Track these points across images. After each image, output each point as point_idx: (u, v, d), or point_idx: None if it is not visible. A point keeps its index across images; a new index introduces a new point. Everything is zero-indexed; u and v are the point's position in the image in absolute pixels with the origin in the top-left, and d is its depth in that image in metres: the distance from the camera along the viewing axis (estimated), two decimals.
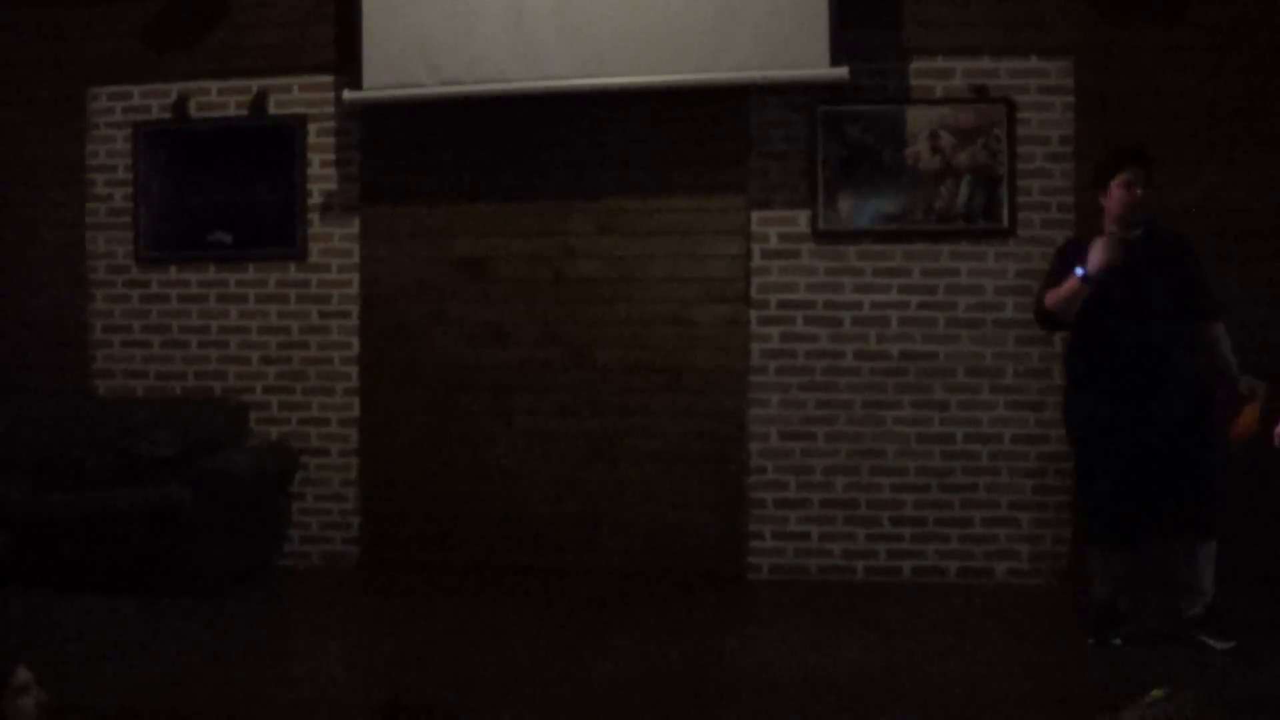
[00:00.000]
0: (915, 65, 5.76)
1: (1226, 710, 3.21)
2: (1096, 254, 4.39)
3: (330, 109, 6.17)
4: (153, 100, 6.35)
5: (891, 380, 5.81)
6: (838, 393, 5.84)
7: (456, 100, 5.92)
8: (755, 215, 5.89)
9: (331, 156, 6.21)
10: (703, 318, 5.94)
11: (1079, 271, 4.41)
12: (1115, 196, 4.51)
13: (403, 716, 2.06)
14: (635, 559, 5.93)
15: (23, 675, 2.38)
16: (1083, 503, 4.83)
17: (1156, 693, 2.55)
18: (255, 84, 6.23)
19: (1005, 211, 5.70)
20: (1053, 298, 4.54)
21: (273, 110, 6.24)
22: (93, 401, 6.28)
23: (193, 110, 6.30)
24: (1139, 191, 4.48)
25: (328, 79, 6.16)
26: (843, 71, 5.54)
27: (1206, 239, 5.00)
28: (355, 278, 6.21)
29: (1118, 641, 4.58)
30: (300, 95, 6.21)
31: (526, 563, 5.99)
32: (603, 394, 6.00)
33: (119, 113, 6.38)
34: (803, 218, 5.85)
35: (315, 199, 6.23)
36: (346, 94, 5.95)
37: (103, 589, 5.37)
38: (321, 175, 6.22)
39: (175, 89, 6.31)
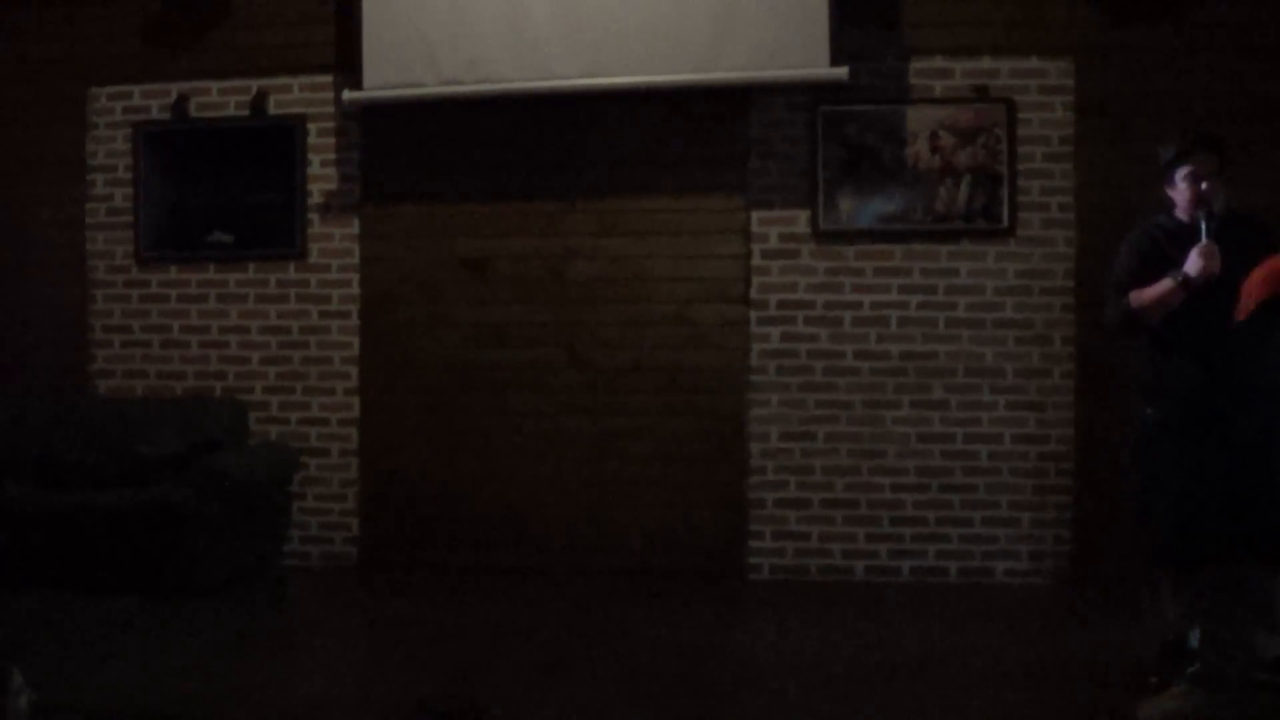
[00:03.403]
0: (915, 65, 5.76)
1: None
2: (1198, 262, 3.90)
3: (330, 109, 6.18)
4: (153, 100, 6.35)
5: (891, 380, 5.80)
6: (838, 393, 5.84)
7: (456, 100, 5.92)
8: (755, 215, 5.89)
9: (331, 156, 6.21)
10: (703, 318, 5.94)
11: (1177, 274, 3.94)
12: (1181, 191, 4.07)
13: (433, 716, 2.03)
14: (635, 559, 5.93)
15: (17, 677, 2.40)
16: (1150, 518, 4.15)
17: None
18: (255, 84, 6.23)
19: (1005, 211, 5.70)
20: (1142, 299, 4.03)
21: (273, 110, 6.24)
22: (93, 401, 6.28)
23: (193, 110, 6.30)
24: (1207, 183, 4.00)
25: (328, 79, 6.16)
26: (843, 71, 5.54)
27: None
28: (355, 278, 6.21)
29: (1182, 685, 3.93)
30: (300, 95, 6.22)
31: (526, 563, 5.99)
32: (603, 394, 6.00)
33: (119, 113, 6.38)
34: (802, 218, 5.85)
35: (315, 199, 6.23)
36: (346, 94, 5.95)
37: (103, 589, 5.37)
38: (321, 175, 6.22)
39: (175, 89, 6.31)
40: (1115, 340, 4.32)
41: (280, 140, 6.22)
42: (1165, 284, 3.97)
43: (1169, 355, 4.07)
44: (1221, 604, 4.20)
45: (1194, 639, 4.07)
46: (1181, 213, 4.13)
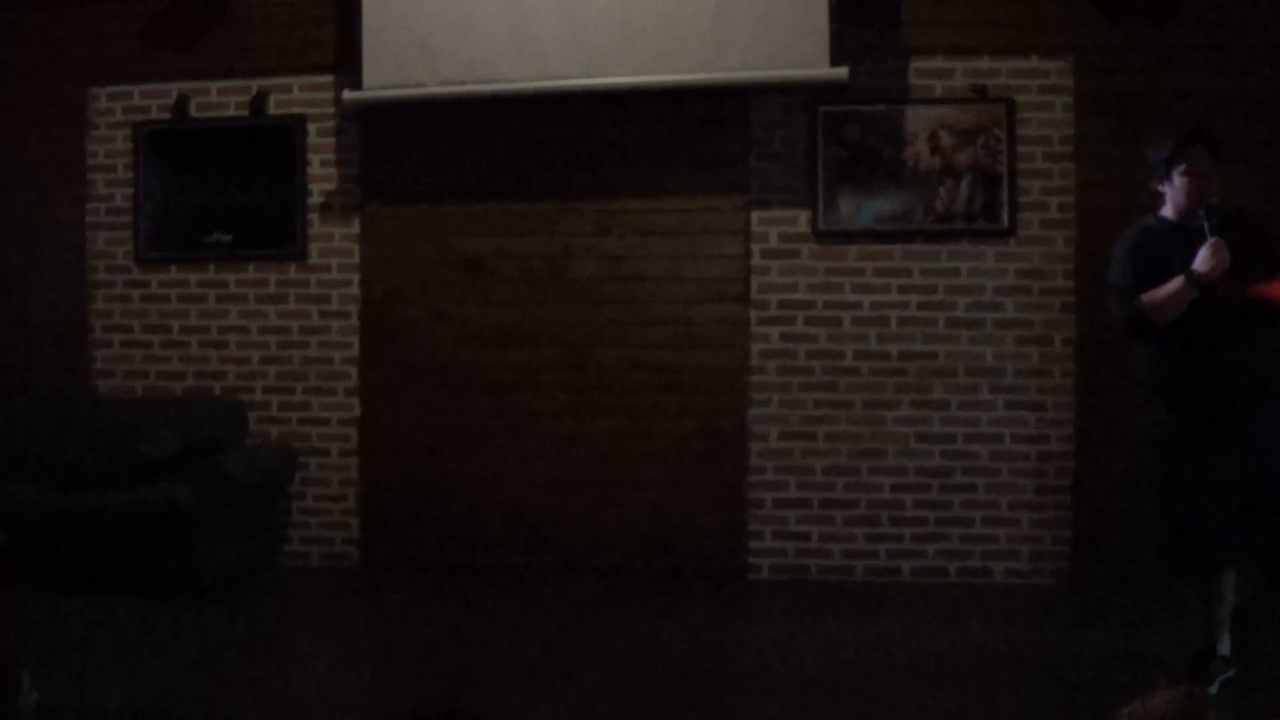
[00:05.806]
0: (915, 65, 5.76)
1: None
2: (1208, 260, 3.86)
3: (330, 109, 6.17)
4: (153, 100, 6.34)
5: (891, 380, 5.80)
6: (838, 393, 5.84)
7: (456, 100, 5.92)
8: (755, 215, 5.89)
9: (331, 156, 6.21)
10: (703, 318, 5.94)
11: (1190, 272, 3.89)
12: (1178, 187, 4.04)
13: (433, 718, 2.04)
14: (635, 558, 5.93)
15: (23, 677, 2.40)
16: (1166, 527, 4.13)
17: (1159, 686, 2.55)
18: (255, 84, 6.23)
19: (1005, 211, 5.70)
20: (1155, 299, 3.96)
21: (273, 110, 6.23)
22: (93, 401, 6.28)
23: (193, 110, 6.30)
24: (1202, 177, 4.01)
25: (328, 79, 6.16)
26: (843, 71, 5.54)
27: None
28: (355, 278, 6.21)
29: (1213, 689, 3.84)
30: (300, 95, 6.21)
31: (526, 562, 5.99)
32: (603, 394, 6.00)
33: (119, 113, 6.37)
34: (803, 218, 5.85)
35: (315, 199, 6.23)
36: (346, 94, 5.95)
37: (103, 589, 5.37)
38: (321, 175, 6.22)
39: (175, 89, 6.31)
40: (1133, 340, 4.20)
41: (280, 140, 6.21)
42: (1177, 283, 3.92)
43: (1180, 356, 4.01)
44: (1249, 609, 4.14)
45: (1223, 648, 4.00)
46: (1171, 211, 4.12)
